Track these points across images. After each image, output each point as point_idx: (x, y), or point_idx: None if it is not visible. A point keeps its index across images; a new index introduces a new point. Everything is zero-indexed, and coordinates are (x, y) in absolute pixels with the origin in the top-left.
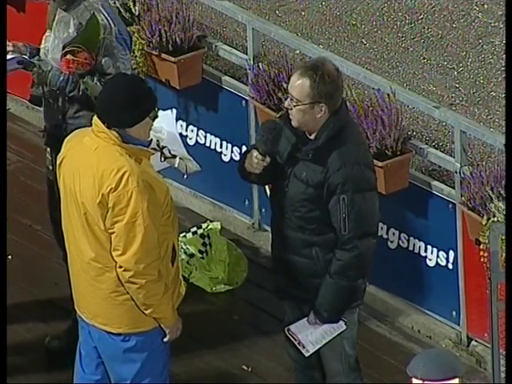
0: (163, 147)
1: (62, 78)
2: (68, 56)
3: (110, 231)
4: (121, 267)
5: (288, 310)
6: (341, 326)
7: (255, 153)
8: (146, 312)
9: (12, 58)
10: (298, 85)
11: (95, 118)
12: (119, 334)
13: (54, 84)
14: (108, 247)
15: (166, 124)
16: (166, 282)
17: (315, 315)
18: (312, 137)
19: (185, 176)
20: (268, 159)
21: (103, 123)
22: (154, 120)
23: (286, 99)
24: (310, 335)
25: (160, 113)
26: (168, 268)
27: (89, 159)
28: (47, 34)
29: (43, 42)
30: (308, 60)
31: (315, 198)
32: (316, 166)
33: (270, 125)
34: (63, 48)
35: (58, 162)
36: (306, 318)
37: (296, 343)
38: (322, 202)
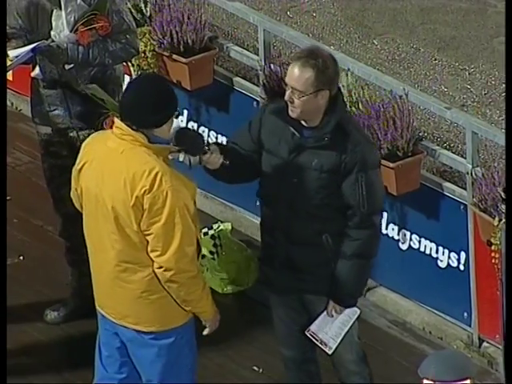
0: None
1: (81, 51)
2: (82, 27)
3: (147, 233)
4: (161, 267)
5: (289, 310)
6: (355, 312)
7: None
8: (187, 308)
9: (34, 48)
10: (301, 76)
11: (117, 121)
12: (151, 333)
13: (76, 58)
14: (141, 247)
15: None
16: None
17: (336, 302)
18: (313, 124)
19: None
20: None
21: (128, 125)
22: (177, 117)
23: None
24: (330, 331)
25: None
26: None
27: (116, 163)
28: (55, 13)
29: (53, 23)
30: (301, 50)
31: (329, 183)
32: (328, 152)
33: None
34: (78, 21)
35: (77, 168)
36: (322, 315)
37: (318, 343)
38: (335, 186)
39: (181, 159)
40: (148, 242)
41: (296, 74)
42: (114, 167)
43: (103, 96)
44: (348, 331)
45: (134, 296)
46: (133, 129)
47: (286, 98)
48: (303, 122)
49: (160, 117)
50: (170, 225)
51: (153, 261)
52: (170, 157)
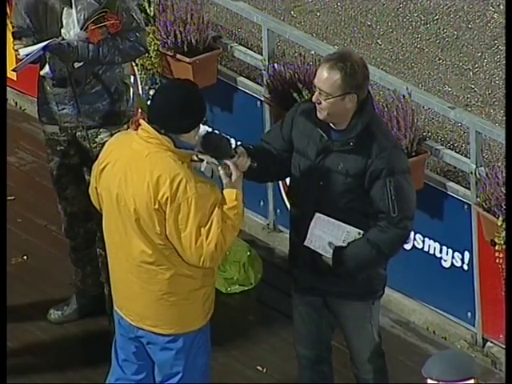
0: None
1: (92, 49)
2: (93, 25)
3: (174, 239)
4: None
5: (311, 309)
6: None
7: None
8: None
9: (45, 46)
10: (329, 78)
11: (144, 123)
12: (169, 335)
13: (86, 56)
14: (163, 249)
15: None
16: (233, 224)
17: (333, 262)
18: (340, 127)
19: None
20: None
21: (155, 128)
22: (205, 123)
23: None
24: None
25: None
26: None
27: (140, 165)
28: (65, 11)
29: (63, 21)
30: (332, 53)
31: (354, 188)
32: (354, 156)
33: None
34: (88, 19)
35: (99, 168)
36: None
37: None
38: (360, 191)
39: (202, 169)
40: (172, 245)
41: (324, 76)
42: (137, 170)
43: (134, 91)
44: (368, 329)
45: (155, 298)
46: (160, 133)
47: (314, 99)
48: (332, 125)
49: (189, 122)
50: (196, 231)
51: (173, 264)
52: (192, 166)
